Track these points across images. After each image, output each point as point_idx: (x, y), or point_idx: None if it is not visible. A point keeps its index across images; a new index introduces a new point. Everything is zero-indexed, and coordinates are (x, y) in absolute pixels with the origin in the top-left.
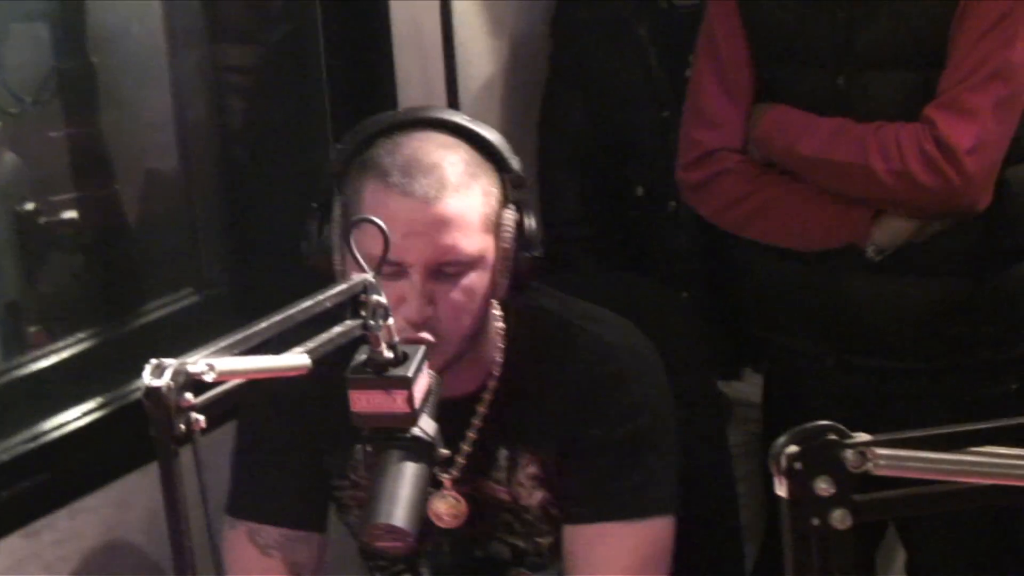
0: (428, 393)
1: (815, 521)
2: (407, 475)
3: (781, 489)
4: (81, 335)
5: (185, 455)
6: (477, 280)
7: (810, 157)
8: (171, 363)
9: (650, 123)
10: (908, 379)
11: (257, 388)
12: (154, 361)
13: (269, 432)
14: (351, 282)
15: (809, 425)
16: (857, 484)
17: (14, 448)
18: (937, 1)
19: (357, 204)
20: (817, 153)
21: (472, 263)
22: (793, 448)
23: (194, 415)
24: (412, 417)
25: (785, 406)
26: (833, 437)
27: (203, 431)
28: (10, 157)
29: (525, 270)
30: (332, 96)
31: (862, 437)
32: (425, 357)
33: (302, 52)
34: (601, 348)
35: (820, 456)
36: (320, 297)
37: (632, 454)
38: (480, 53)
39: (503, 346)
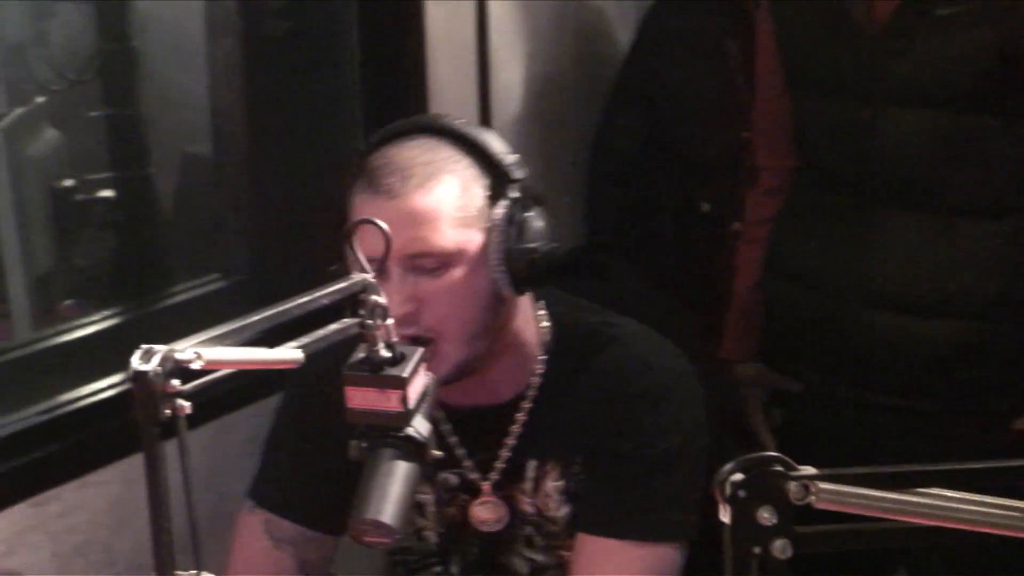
0: (423, 394)
1: (756, 549)
2: (397, 473)
3: (725, 515)
4: (107, 312)
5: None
6: (461, 276)
7: None
8: (160, 349)
9: (727, 142)
10: (923, 419)
11: (300, 379)
12: (144, 346)
13: (304, 425)
14: (350, 280)
15: (755, 455)
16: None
17: (28, 418)
18: (971, 43)
19: (351, 210)
20: None
21: (449, 258)
22: (738, 476)
23: (179, 401)
24: (405, 416)
25: (799, 437)
26: (779, 468)
27: (189, 417)
28: (52, 133)
29: (522, 267)
30: (364, 94)
31: (807, 470)
32: (423, 359)
33: (337, 48)
34: (641, 365)
35: (764, 486)
36: (318, 294)
37: (658, 474)
38: (514, 58)
39: (544, 359)
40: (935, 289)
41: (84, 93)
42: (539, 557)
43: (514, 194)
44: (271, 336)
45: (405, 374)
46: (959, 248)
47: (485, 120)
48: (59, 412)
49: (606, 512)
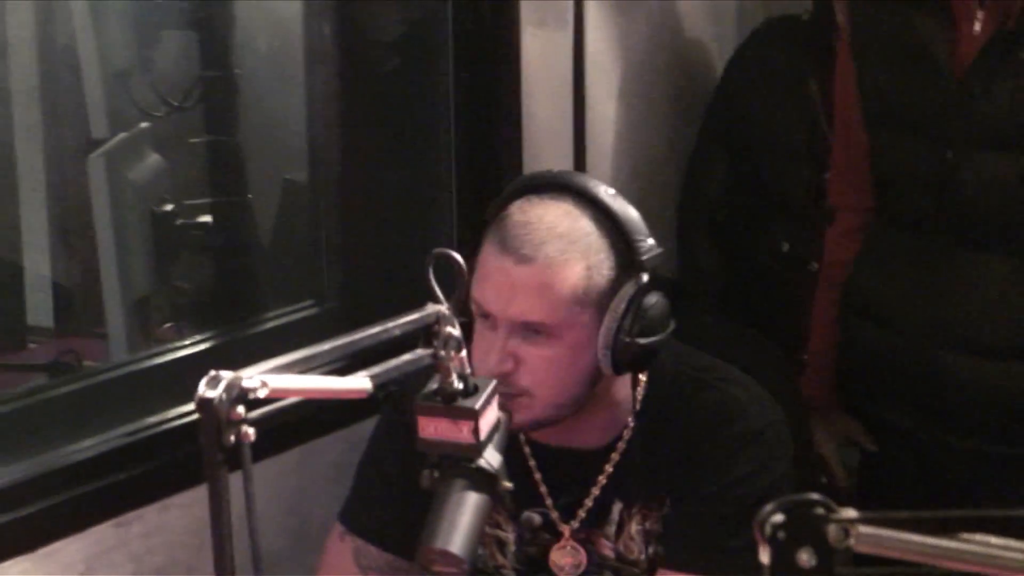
0: (495, 427)
1: None
2: (468, 504)
3: (764, 556)
4: (201, 336)
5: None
6: (564, 350)
7: None
8: (227, 375)
9: (807, 182)
10: (1004, 464)
11: (394, 407)
12: (212, 373)
13: (397, 453)
14: (423, 312)
15: (798, 496)
16: (843, 558)
17: (113, 440)
18: None
19: (481, 251)
20: None
21: (558, 332)
22: (778, 517)
23: (244, 428)
24: (477, 448)
25: (879, 480)
26: (820, 511)
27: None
28: (154, 158)
29: (628, 355)
30: (457, 124)
31: (849, 512)
32: (495, 392)
33: (431, 78)
34: (735, 409)
35: (804, 527)
36: (390, 325)
37: (744, 515)
38: (610, 94)
39: (637, 406)
40: (1015, 333)
41: (186, 119)
42: None
43: (640, 281)
44: (351, 365)
45: (477, 406)
46: None
47: (579, 154)
48: (145, 434)
49: (691, 549)
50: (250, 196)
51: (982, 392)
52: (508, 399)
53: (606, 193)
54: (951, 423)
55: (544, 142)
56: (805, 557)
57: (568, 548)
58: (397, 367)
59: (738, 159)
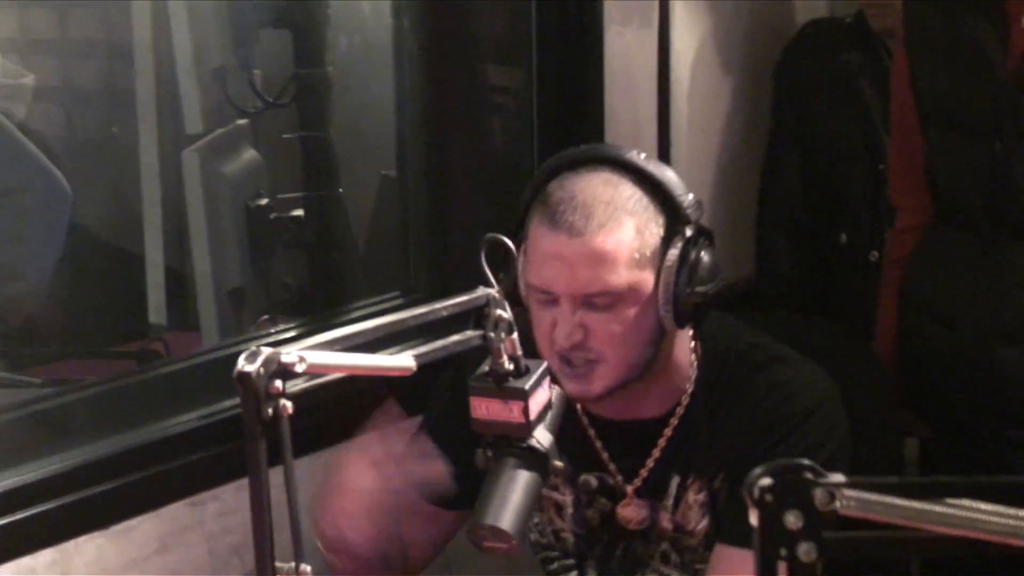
0: (546, 407)
1: (783, 552)
2: (519, 482)
3: (753, 518)
4: (289, 326)
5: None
6: (630, 313)
7: None
8: (266, 351)
9: (864, 175)
10: None
11: (449, 385)
12: (252, 348)
13: (446, 420)
14: (473, 295)
15: (786, 461)
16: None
17: (190, 422)
18: None
19: (528, 236)
20: None
21: (621, 296)
22: (766, 480)
23: (282, 401)
24: (527, 428)
25: (936, 472)
26: (808, 475)
27: (291, 417)
28: (250, 154)
29: (688, 307)
30: (540, 119)
31: (836, 477)
32: (546, 373)
33: (516, 80)
34: (788, 388)
35: (791, 491)
36: (438, 306)
37: None
38: (696, 94)
39: (694, 376)
40: None
41: (280, 115)
42: (674, 573)
43: (688, 233)
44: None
45: (527, 387)
46: None
47: (663, 153)
48: (222, 416)
49: (746, 524)
50: (341, 190)
51: None
52: (583, 369)
53: (639, 157)
54: (1009, 416)
55: (628, 140)
56: (792, 520)
57: (633, 504)
58: (444, 347)
59: (807, 158)
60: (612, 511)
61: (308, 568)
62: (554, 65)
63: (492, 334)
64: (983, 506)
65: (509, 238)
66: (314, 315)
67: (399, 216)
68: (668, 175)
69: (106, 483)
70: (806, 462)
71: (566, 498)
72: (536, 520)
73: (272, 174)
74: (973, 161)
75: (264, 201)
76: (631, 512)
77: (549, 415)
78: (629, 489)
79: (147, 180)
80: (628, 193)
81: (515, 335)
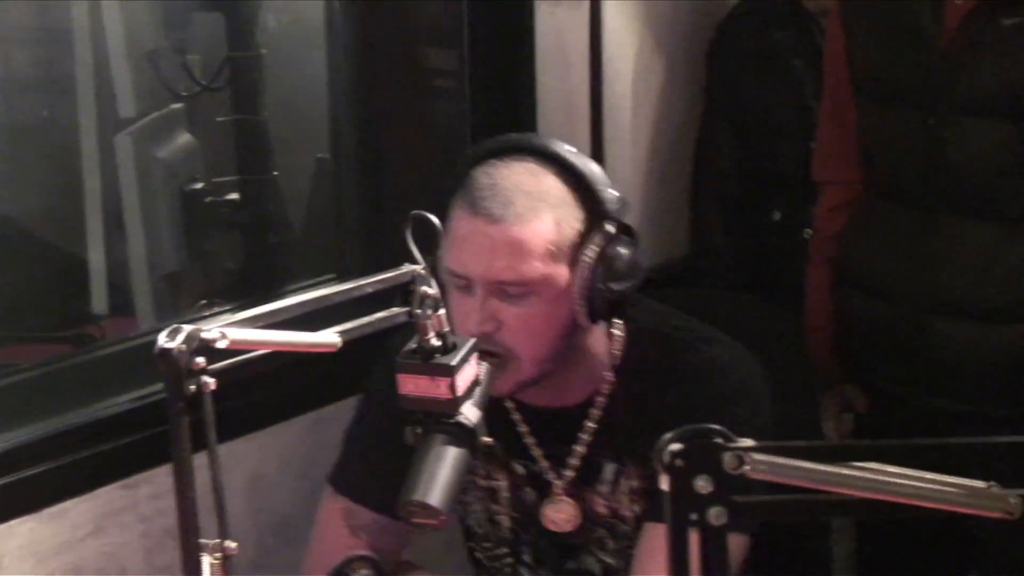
0: (474, 383)
1: (693, 516)
2: (446, 457)
3: (664, 483)
4: (228, 307)
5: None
6: (543, 305)
7: None
8: (187, 328)
9: (796, 153)
10: (995, 426)
11: (383, 372)
12: (173, 325)
13: (385, 416)
14: (398, 271)
15: (695, 426)
16: (737, 484)
17: (122, 404)
18: None
19: (450, 221)
20: None
21: (535, 288)
22: (676, 446)
23: (204, 378)
24: (454, 403)
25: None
26: (718, 440)
27: (214, 393)
28: (185, 138)
29: (603, 303)
30: (473, 100)
31: (744, 442)
32: (474, 349)
33: (447, 60)
34: (713, 367)
35: (701, 456)
36: (362, 282)
37: None
38: (629, 72)
39: (617, 362)
40: (1001, 295)
41: (214, 99)
42: (611, 560)
43: (608, 230)
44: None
45: (454, 362)
46: (1023, 255)
47: (597, 132)
48: (155, 398)
49: None
50: (276, 173)
51: (972, 356)
52: (493, 362)
53: (566, 150)
54: (943, 387)
55: (560, 119)
56: (702, 484)
57: (561, 503)
58: (370, 324)
59: (741, 136)
60: (539, 501)
61: (233, 544)
62: (486, 45)
63: (419, 311)
64: (889, 468)
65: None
66: (251, 298)
67: (333, 198)
68: (593, 170)
69: (38, 466)
70: (715, 427)
71: (501, 483)
72: (475, 508)
73: (207, 158)
74: (908, 135)
75: (200, 185)
76: (556, 512)
77: (477, 391)
78: (558, 484)
79: (88, 166)
80: (550, 185)
81: (442, 311)
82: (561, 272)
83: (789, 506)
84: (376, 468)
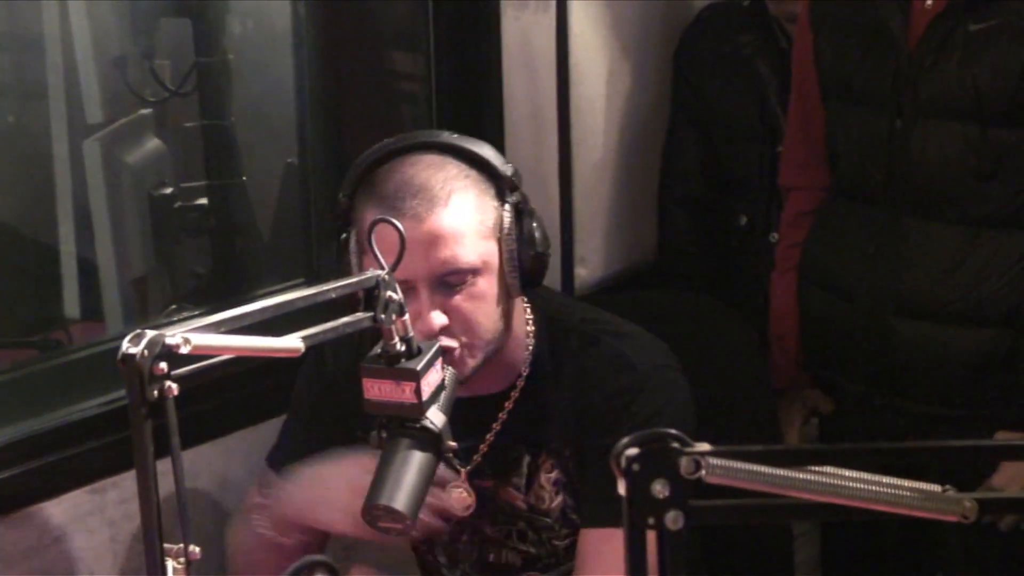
0: (439, 388)
1: (651, 520)
2: (412, 462)
3: (621, 487)
4: (197, 312)
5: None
6: (485, 285)
7: None
8: (150, 333)
9: (761, 157)
10: (956, 426)
11: (316, 366)
12: (136, 330)
13: (314, 403)
14: (363, 276)
15: (651, 431)
16: (693, 488)
17: (89, 409)
18: (1001, 58)
19: (361, 230)
20: None
21: (475, 271)
22: (633, 451)
23: (167, 383)
24: (420, 408)
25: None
26: (674, 444)
27: (181, 398)
28: (154, 143)
29: (532, 268)
30: (439, 107)
31: (702, 446)
32: (438, 354)
33: (413, 64)
34: (623, 359)
35: (657, 460)
36: (327, 287)
37: None
38: (596, 75)
39: (531, 353)
40: (964, 297)
41: (182, 104)
42: (532, 549)
43: (517, 199)
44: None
45: (419, 367)
46: (986, 258)
47: (564, 134)
48: (122, 403)
49: (601, 504)
50: (244, 178)
51: (934, 357)
52: (451, 354)
53: (455, 137)
54: (904, 388)
55: (527, 122)
56: (659, 488)
57: (458, 489)
58: (334, 328)
59: (706, 139)
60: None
61: (196, 549)
62: (451, 48)
63: (383, 315)
64: (846, 472)
65: (336, 233)
66: (220, 303)
67: (302, 202)
68: (486, 150)
69: (5, 470)
70: (672, 432)
71: None
72: None
73: (176, 163)
74: (873, 136)
75: (168, 190)
76: (452, 497)
77: (442, 395)
78: (462, 471)
79: (60, 171)
80: (457, 171)
81: (406, 316)
82: (492, 248)
83: (746, 510)
84: (307, 446)
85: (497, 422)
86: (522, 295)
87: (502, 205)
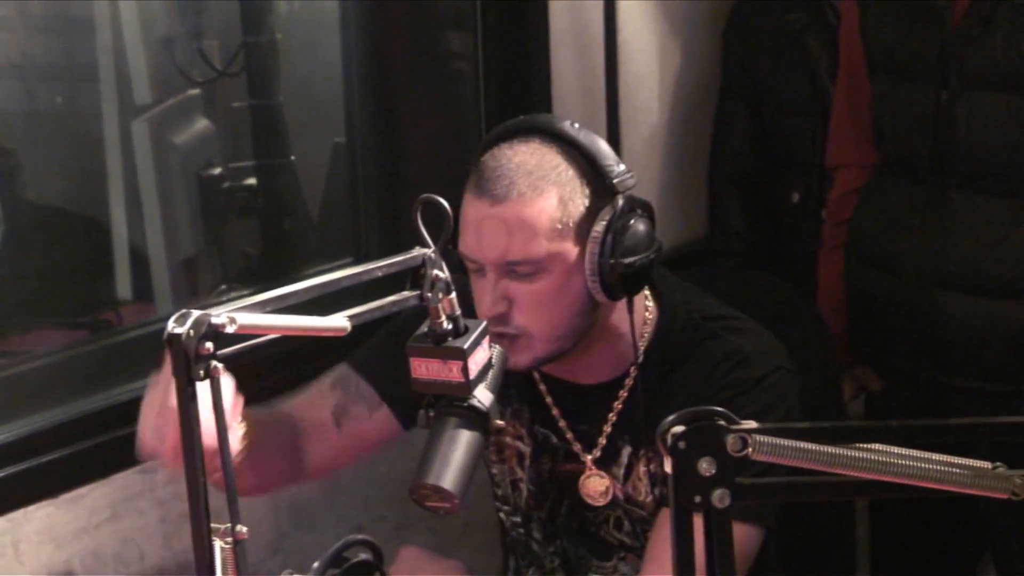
0: (486, 366)
1: (697, 498)
2: (460, 441)
3: (667, 465)
4: (245, 292)
5: None
6: (553, 283)
7: None
8: (195, 313)
9: (812, 134)
10: (1002, 401)
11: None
12: (182, 310)
13: (407, 319)
14: (408, 255)
15: (696, 408)
16: (740, 466)
17: (139, 389)
18: None
19: (462, 207)
20: None
21: (543, 265)
22: (679, 428)
23: (214, 363)
24: (467, 387)
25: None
26: (720, 422)
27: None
28: (202, 123)
29: (615, 278)
30: (487, 87)
31: (748, 424)
32: (485, 332)
33: (461, 43)
34: (740, 356)
35: (704, 438)
36: (372, 266)
37: None
38: (644, 54)
39: (647, 343)
40: (1011, 271)
41: (231, 84)
42: (626, 539)
43: (617, 204)
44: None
45: (466, 346)
46: None
47: (612, 114)
48: None
49: None
50: (293, 157)
51: (980, 331)
52: (507, 341)
53: (571, 126)
54: (951, 363)
55: (576, 101)
56: (705, 466)
57: (595, 477)
58: (380, 308)
59: (756, 117)
60: (553, 470)
61: (244, 529)
62: (500, 27)
63: (429, 294)
64: (892, 449)
65: (453, 207)
66: (269, 282)
67: (350, 182)
68: (600, 146)
69: (56, 452)
70: (718, 409)
71: (527, 448)
72: (495, 471)
73: (224, 143)
74: (919, 110)
75: (217, 170)
76: (593, 486)
77: (490, 374)
78: (588, 459)
79: (110, 152)
80: (554, 163)
81: (453, 295)
82: (569, 248)
83: (791, 487)
84: (391, 361)
85: (612, 412)
86: (611, 301)
87: (598, 207)
